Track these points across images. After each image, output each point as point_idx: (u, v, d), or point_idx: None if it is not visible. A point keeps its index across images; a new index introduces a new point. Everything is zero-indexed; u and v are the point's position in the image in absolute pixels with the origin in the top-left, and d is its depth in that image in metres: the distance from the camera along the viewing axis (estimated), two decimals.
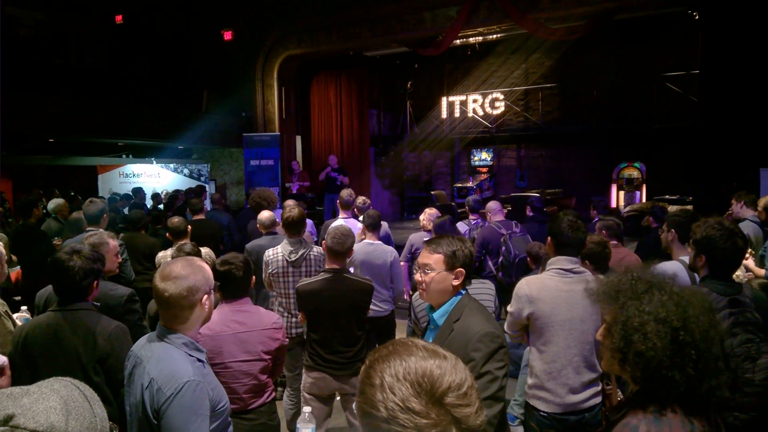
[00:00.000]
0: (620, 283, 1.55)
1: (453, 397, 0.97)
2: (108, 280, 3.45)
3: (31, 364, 2.57)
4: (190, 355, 2.03)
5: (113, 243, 3.61)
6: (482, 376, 2.11)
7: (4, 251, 3.45)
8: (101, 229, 5.18)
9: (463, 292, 2.37)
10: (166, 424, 1.90)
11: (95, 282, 2.73)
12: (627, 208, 11.64)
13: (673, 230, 3.46)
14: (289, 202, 6.22)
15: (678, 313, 1.42)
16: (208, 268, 2.17)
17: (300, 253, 4.34)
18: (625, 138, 13.72)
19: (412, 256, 5.63)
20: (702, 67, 9.78)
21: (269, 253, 4.43)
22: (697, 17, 10.11)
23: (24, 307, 3.56)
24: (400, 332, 5.55)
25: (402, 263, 5.53)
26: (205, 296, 2.09)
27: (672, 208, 6.35)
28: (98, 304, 2.82)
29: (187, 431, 1.89)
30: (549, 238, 3.04)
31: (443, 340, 2.25)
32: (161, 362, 1.97)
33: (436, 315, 2.36)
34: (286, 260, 4.34)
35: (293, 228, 4.40)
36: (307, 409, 2.44)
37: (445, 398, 0.96)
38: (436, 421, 0.94)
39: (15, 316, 3.40)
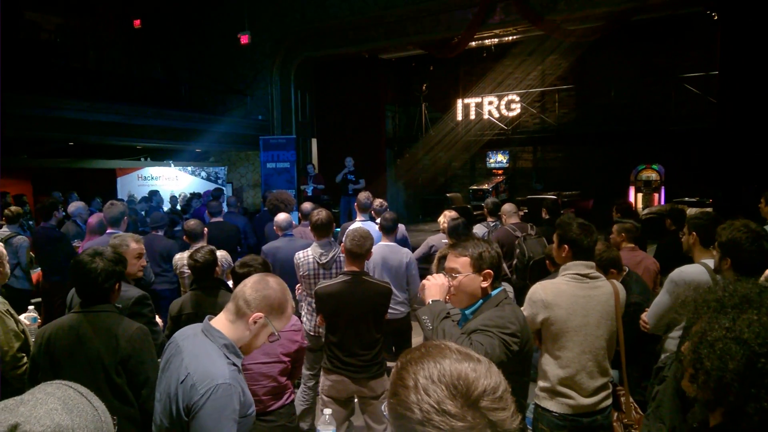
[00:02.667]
0: (710, 292, 1.41)
1: (488, 401, 0.96)
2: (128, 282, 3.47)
3: (54, 366, 2.59)
4: (228, 358, 1.99)
5: (134, 246, 3.61)
6: (483, 334, 2.16)
7: (4, 251, 3.49)
8: (122, 232, 5.23)
9: (498, 290, 2.35)
10: (197, 423, 1.88)
11: (117, 284, 2.75)
12: (645, 211, 11.52)
13: (694, 233, 3.41)
14: (307, 205, 6.25)
15: (765, 338, 1.22)
16: (288, 309, 2.10)
17: (330, 255, 4.37)
18: (643, 139, 13.61)
19: (429, 257, 5.59)
20: (721, 68, 9.68)
21: (299, 255, 4.46)
22: (715, 18, 10.01)
23: (31, 307, 3.59)
24: (416, 335, 5.54)
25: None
26: (260, 315, 2.01)
27: (691, 211, 6.25)
28: (120, 305, 2.84)
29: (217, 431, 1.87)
30: (566, 246, 2.94)
31: (467, 326, 2.28)
32: (199, 359, 1.96)
33: (468, 311, 2.36)
34: (317, 262, 4.37)
35: (322, 230, 4.44)
36: (327, 411, 2.43)
37: (480, 401, 0.95)
38: (471, 423, 0.94)
39: (22, 316, 3.43)
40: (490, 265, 2.31)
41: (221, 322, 2.05)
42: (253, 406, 2.10)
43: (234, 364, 1.99)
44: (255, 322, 2.01)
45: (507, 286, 3.88)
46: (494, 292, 2.34)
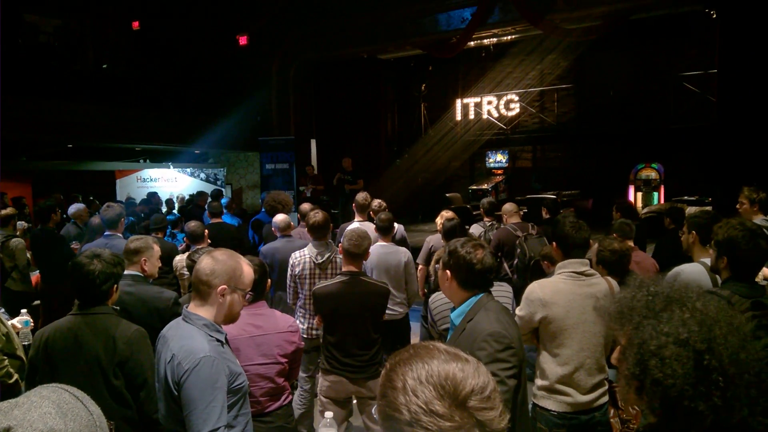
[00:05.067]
0: (634, 300, 1.36)
1: (476, 401, 0.96)
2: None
3: (52, 368, 2.59)
4: (210, 335, 2.20)
5: (157, 248, 3.64)
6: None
7: None
8: (120, 234, 5.24)
9: (479, 296, 2.33)
10: (185, 394, 2.07)
11: (115, 286, 2.75)
12: (645, 210, 11.51)
13: (693, 232, 3.42)
14: (306, 206, 6.24)
15: (702, 334, 1.22)
16: (244, 268, 2.29)
17: (326, 255, 4.37)
18: (642, 138, 13.60)
19: (430, 258, 5.59)
20: (720, 66, 9.66)
21: (296, 255, 4.46)
22: (714, 16, 10.00)
23: (24, 310, 3.60)
24: (415, 336, 5.53)
25: (420, 266, 5.51)
26: (223, 287, 2.22)
27: (690, 209, 6.24)
28: (118, 308, 2.84)
29: (204, 401, 2.05)
30: (554, 243, 3.06)
31: (455, 339, 2.25)
32: (182, 340, 2.17)
33: (453, 315, 2.37)
34: (314, 262, 4.37)
35: (318, 231, 4.44)
36: (328, 414, 2.44)
37: (468, 401, 0.95)
38: (459, 423, 0.93)
39: (14, 320, 3.44)
40: (453, 267, 2.32)
41: (194, 308, 2.26)
42: (243, 379, 2.28)
43: (217, 340, 2.21)
44: (223, 295, 2.22)
45: (506, 286, 3.87)
46: (476, 298, 2.32)
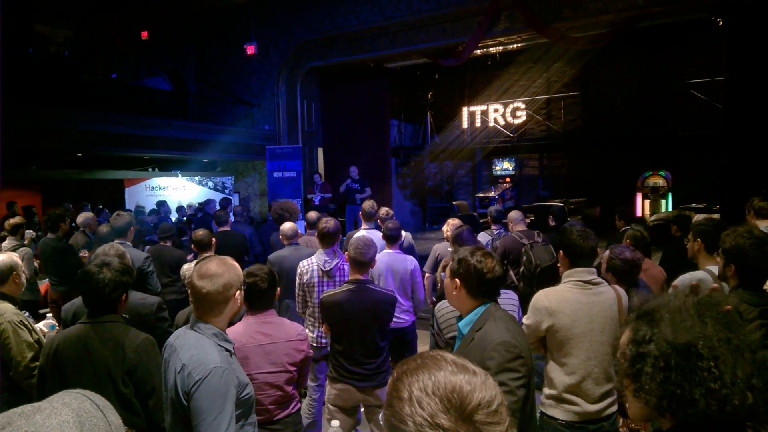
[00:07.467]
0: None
1: (483, 415, 0.94)
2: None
3: (61, 376, 2.61)
4: (219, 345, 2.22)
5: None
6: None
7: (20, 262, 3.55)
8: (129, 242, 5.28)
9: (486, 306, 2.34)
10: (195, 405, 2.09)
11: (124, 294, 2.77)
12: (652, 218, 11.47)
13: (698, 239, 3.41)
14: (312, 214, 6.27)
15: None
16: (238, 266, 2.36)
17: (334, 263, 4.38)
18: (649, 146, 13.56)
19: (437, 266, 5.59)
20: (727, 74, 9.64)
21: (303, 263, 4.47)
22: (721, 23, 9.99)
23: (49, 315, 3.64)
24: (422, 343, 5.53)
25: (427, 274, 5.51)
26: (237, 292, 2.30)
27: (698, 217, 6.21)
28: (127, 316, 2.86)
29: (213, 412, 2.06)
30: (561, 252, 3.03)
31: (464, 348, 2.25)
32: (192, 350, 2.18)
33: (461, 324, 2.37)
34: (321, 270, 4.38)
35: (328, 239, 4.45)
36: (335, 423, 2.45)
37: (475, 415, 0.94)
38: None
39: (41, 324, 3.48)
40: (462, 275, 2.33)
41: (204, 318, 2.28)
42: (250, 389, 2.30)
43: (226, 349, 2.23)
44: (239, 296, 2.31)
45: (512, 294, 3.87)
46: (484, 307, 2.33)
